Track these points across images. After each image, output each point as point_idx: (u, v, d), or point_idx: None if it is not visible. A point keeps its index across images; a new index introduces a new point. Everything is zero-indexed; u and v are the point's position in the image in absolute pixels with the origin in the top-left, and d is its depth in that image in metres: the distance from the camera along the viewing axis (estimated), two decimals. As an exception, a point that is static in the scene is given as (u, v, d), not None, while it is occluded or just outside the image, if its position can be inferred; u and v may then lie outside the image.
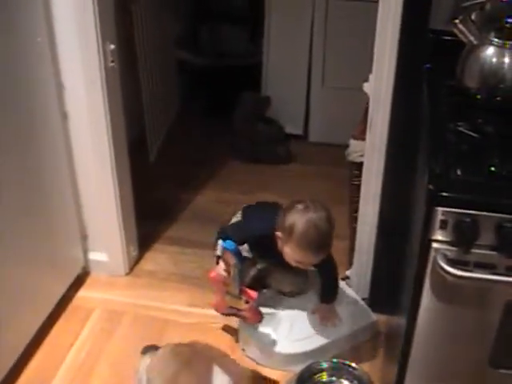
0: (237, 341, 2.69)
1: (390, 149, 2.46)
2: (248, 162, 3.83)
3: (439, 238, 1.65)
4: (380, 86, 2.35)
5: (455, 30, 1.95)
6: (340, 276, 2.75)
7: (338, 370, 2.46)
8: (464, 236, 1.63)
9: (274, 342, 2.59)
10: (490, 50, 1.90)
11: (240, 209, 2.73)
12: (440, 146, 1.77)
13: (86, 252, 2.97)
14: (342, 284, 2.78)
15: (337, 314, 2.68)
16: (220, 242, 2.46)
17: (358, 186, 2.66)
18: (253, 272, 2.70)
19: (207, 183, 3.66)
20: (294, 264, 2.48)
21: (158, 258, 3.14)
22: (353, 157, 2.82)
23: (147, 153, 3.73)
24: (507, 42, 1.88)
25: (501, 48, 1.88)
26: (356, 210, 2.71)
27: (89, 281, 2.99)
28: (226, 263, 2.44)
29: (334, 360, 2.50)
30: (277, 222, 2.46)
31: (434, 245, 1.66)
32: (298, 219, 2.39)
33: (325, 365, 2.47)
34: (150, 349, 2.39)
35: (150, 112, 3.71)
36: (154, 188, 3.56)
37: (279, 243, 2.47)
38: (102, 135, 2.68)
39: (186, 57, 4.37)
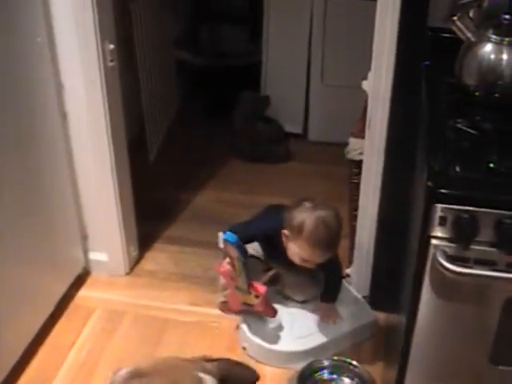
0: (237, 339, 2.69)
1: (389, 146, 2.46)
2: (248, 162, 3.84)
3: (438, 234, 1.66)
4: (379, 83, 2.35)
5: (453, 28, 1.96)
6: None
7: (338, 368, 2.47)
8: (463, 232, 1.63)
9: (274, 340, 2.60)
10: (488, 47, 1.90)
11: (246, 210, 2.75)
12: (439, 143, 1.78)
13: (86, 252, 2.98)
14: (342, 283, 2.78)
15: (337, 312, 2.69)
16: (220, 233, 2.45)
17: (358, 184, 2.66)
18: (265, 279, 2.70)
19: (207, 183, 3.66)
20: (298, 262, 2.48)
21: (158, 258, 3.15)
22: (352, 155, 2.82)
23: (147, 152, 3.73)
24: (505, 39, 1.88)
25: (499, 45, 1.88)
26: (356, 209, 2.72)
27: (89, 281, 2.99)
28: (229, 256, 2.44)
29: (335, 358, 2.51)
30: (283, 220, 2.46)
31: (434, 241, 1.67)
32: (308, 217, 2.39)
33: (326, 362, 2.48)
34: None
35: (150, 112, 3.71)
36: (154, 188, 3.56)
37: (284, 241, 2.46)
38: (102, 135, 2.68)
39: (186, 56, 4.37)
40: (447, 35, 2.05)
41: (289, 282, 2.73)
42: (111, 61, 2.60)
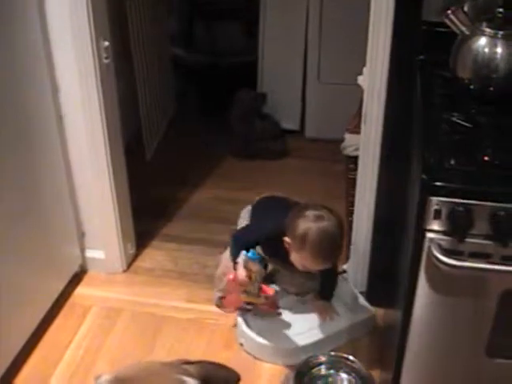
0: (234, 336, 2.69)
1: (385, 141, 2.46)
2: (245, 159, 3.83)
3: (433, 227, 1.66)
4: (374, 78, 2.35)
5: (447, 21, 1.95)
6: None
7: (335, 364, 2.47)
8: (458, 225, 1.63)
9: (271, 337, 2.59)
10: (483, 41, 1.90)
11: (243, 208, 2.73)
12: (434, 137, 1.78)
13: (83, 250, 2.97)
14: (339, 278, 2.78)
15: (334, 308, 2.69)
16: (243, 253, 2.38)
17: (354, 180, 2.65)
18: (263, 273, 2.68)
19: (204, 180, 3.66)
20: (300, 268, 2.46)
21: (155, 255, 3.14)
22: (348, 151, 2.81)
23: (144, 150, 3.72)
24: (499, 32, 1.88)
25: (493, 38, 1.88)
26: (352, 204, 2.71)
27: (86, 278, 2.99)
28: (249, 270, 2.38)
29: (332, 353, 2.50)
30: (286, 223, 2.42)
31: (429, 235, 1.67)
32: (312, 229, 2.33)
33: (323, 358, 2.48)
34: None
35: (147, 110, 3.71)
36: (151, 185, 3.55)
37: (286, 246, 2.44)
38: (98, 133, 2.68)
39: (182, 54, 4.37)
40: (442, 29, 2.04)
41: (285, 277, 2.72)
42: (106, 58, 2.59)
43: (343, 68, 3.53)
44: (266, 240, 2.52)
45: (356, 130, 2.65)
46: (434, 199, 1.62)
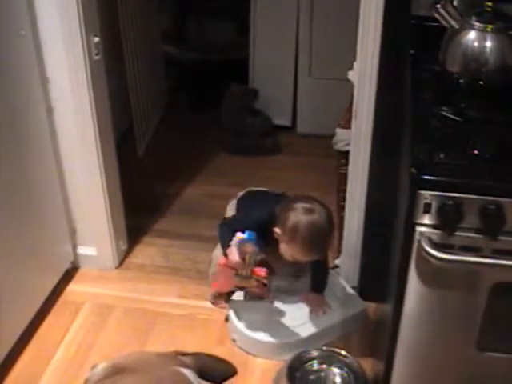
0: (227, 331, 2.69)
1: (375, 136, 2.46)
2: (236, 155, 3.83)
3: (423, 221, 1.66)
4: (364, 73, 2.36)
5: (437, 15, 1.96)
6: (330, 265, 2.76)
7: (328, 358, 2.47)
8: (448, 219, 1.63)
9: (264, 332, 2.60)
10: (472, 34, 1.90)
11: (233, 198, 2.74)
12: (423, 131, 1.79)
13: (74, 246, 2.97)
14: (331, 273, 2.78)
15: (326, 301, 2.69)
16: (239, 234, 2.41)
17: (345, 175, 2.66)
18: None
19: (196, 176, 3.66)
20: (289, 259, 2.48)
21: (147, 251, 3.14)
22: (339, 146, 2.81)
23: (135, 147, 3.72)
24: (489, 26, 1.88)
25: (482, 32, 1.88)
26: (343, 199, 2.72)
27: (78, 275, 2.99)
28: (243, 252, 2.40)
29: (324, 348, 2.51)
30: (276, 214, 2.44)
31: (419, 228, 1.67)
32: (302, 221, 2.36)
33: (315, 353, 2.48)
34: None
35: (138, 106, 3.71)
36: (143, 181, 3.55)
37: (276, 236, 2.46)
38: (89, 129, 2.67)
39: (173, 51, 4.36)
40: (432, 23, 2.04)
41: (276, 268, 2.72)
42: (96, 54, 2.58)
43: (334, 63, 3.53)
44: (257, 229, 2.53)
45: (347, 125, 2.65)
46: (424, 193, 1.63)
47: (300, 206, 2.40)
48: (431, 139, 1.75)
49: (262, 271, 2.48)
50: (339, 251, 2.85)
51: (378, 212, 2.59)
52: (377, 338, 2.53)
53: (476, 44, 1.89)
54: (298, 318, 2.65)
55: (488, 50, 1.88)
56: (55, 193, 2.78)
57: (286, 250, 2.44)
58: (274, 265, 2.70)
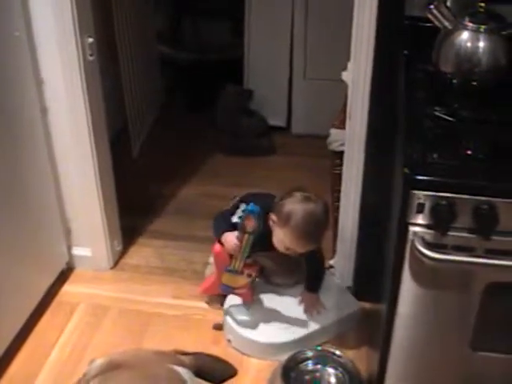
0: (222, 332, 2.69)
1: (370, 136, 2.46)
2: (231, 155, 3.83)
3: (417, 221, 1.67)
4: (358, 73, 2.36)
5: (430, 16, 1.96)
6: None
7: (322, 358, 2.47)
8: (441, 219, 1.64)
9: (259, 332, 2.60)
10: (465, 35, 1.91)
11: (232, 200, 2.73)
12: (417, 131, 1.79)
13: (69, 247, 2.97)
14: (326, 273, 2.79)
15: (321, 302, 2.69)
16: (243, 205, 2.45)
17: (340, 175, 2.66)
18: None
19: (191, 177, 3.66)
20: (281, 249, 2.48)
21: (142, 252, 3.14)
22: (334, 146, 2.81)
23: (130, 147, 3.72)
24: (481, 27, 1.89)
25: (475, 32, 1.89)
26: (338, 199, 2.72)
27: (73, 276, 2.99)
28: (243, 229, 2.41)
29: (319, 348, 2.51)
30: (271, 206, 2.46)
31: (412, 228, 1.68)
32: (297, 208, 2.39)
33: (310, 353, 2.48)
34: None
35: (133, 107, 3.71)
36: (138, 182, 3.55)
37: (271, 224, 2.46)
38: (83, 129, 2.67)
39: (169, 51, 4.37)
40: (425, 24, 2.05)
41: (271, 268, 2.73)
42: (91, 55, 2.58)
43: (329, 64, 3.52)
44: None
45: (342, 125, 2.65)
46: (417, 193, 1.63)
47: (298, 194, 2.45)
48: (424, 139, 1.75)
49: (253, 266, 2.53)
50: (334, 251, 2.85)
51: (373, 212, 2.60)
52: (371, 337, 2.53)
53: (469, 44, 1.90)
54: (292, 318, 2.65)
55: (481, 50, 1.89)
56: (50, 193, 2.78)
57: (279, 237, 2.44)
58: (269, 264, 2.71)
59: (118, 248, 3.09)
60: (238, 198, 2.69)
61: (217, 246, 2.53)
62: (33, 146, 2.62)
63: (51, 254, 2.86)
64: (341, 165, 2.65)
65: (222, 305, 2.74)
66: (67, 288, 2.92)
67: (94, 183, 2.80)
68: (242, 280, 2.56)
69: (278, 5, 3.80)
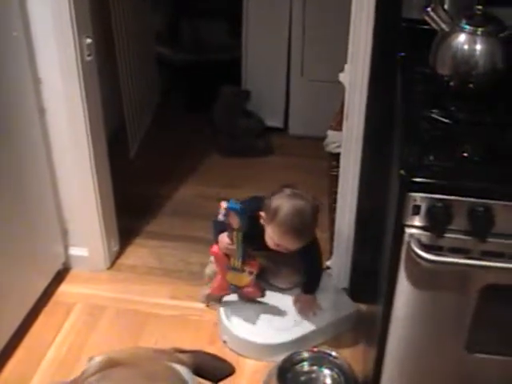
0: (218, 333, 2.70)
1: (366, 138, 2.47)
2: (228, 156, 3.84)
3: (413, 223, 1.67)
4: (355, 75, 2.36)
5: (427, 18, 1.97)
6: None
7: (318, 359, 2.48)
8: (437, 221, 1.64)
9: (255, 333, 2.60)
10: (462, 37, 1.91)
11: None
12: (413, 133, 1.79)
13: (66, 247, 2.97)
14: (322, 274, 2.79)
15: (318, 303, 2.70)
16: (223, 203, 2.46)
17: (336, 177, 2.67)
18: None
19: (188, 177, 3.66)
20: (272, 246, 2.50)
21: (139, 253, 3.14)
22: (330, 147, 2.82)
23: (127, 147, 3.72)
24: (478, 29, 1.89)
25: (472, 35, 1.89)
26: (335, 201, 2.73)
27: (70, 276, 2.98)
28: (230, 228, 2.46)
29: (315, 349, 2.52)
30: (261, 204, 2.50)
31: (408, 230, 1.68)
32: (284, 203, 2.43)
33: (306, 354, 2.49)
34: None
35: (130, 107, 3.70)
36: (135, 182, 3.55)
37: (262, 222, 2.49)
38: (81, 130, 2.67)
39: (166, 52, 4.37)
40: (422, 26, 2.05)
41: (269, 270, 2.74)
42: (89, 55, 2.58)
43: (327, 65, 3.51)
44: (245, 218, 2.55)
45: (339, 127, 2.66)
46: (413, 195, 1.64)
47: (287, 190, 2.50)
48: (421, 141, 1.76)
49: (253, 263, 2.56)
50: (331, 253, 2.85)
51: (369, 214, 2.60)
52: (367, 339, 2.54)
53: (466, 47, 1.90)
54: (289, 319, 2.66)
55: (478, 52, 1.89)
56: (47, 193, 2.78)
57: (269, 233, 2.48)
58: (269, 266, 2.72)
59: (115, 248, 3.09)
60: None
61: (214, 247, 2.58)
62: (30, 146, 2.62)
63: (48, 254, 2.86)
64: (338, 166, 2.65)
65: (219, 303, 2.75)
66: (64, 288, 2.92)
67: (91, 183, 2.80)
68: (246, 278, 2.59)
69: (276, 6, 3.80)
